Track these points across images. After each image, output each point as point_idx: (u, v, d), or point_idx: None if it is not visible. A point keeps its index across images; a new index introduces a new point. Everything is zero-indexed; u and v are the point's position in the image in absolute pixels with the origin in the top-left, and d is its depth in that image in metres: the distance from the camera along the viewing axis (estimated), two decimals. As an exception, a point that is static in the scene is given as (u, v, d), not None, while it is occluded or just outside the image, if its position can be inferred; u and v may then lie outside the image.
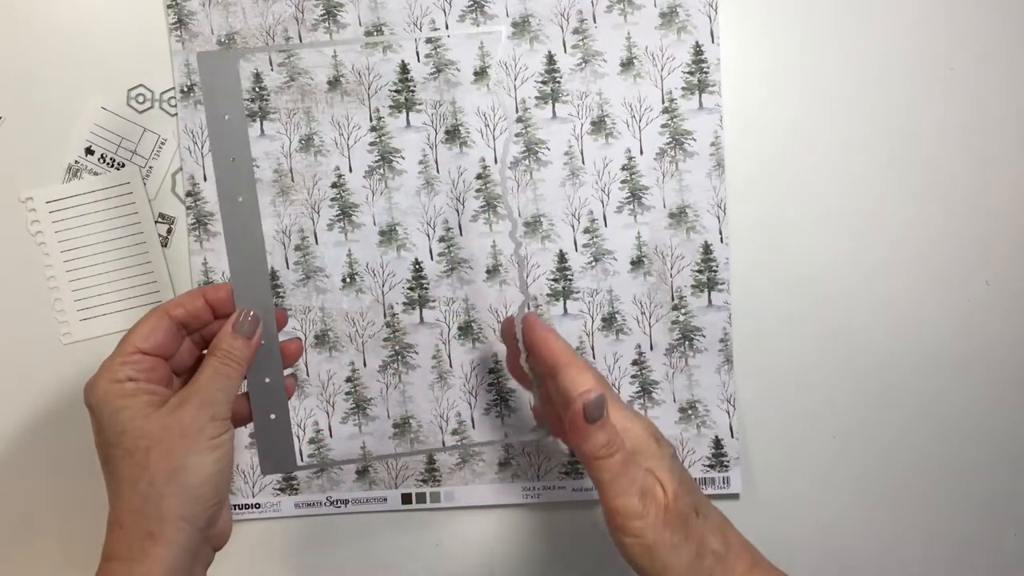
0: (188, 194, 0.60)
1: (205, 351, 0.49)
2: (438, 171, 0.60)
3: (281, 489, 0.60)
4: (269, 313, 0.49)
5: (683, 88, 0.60)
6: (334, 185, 0.60)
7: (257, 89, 0.60)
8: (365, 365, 0.60)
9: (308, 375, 0.60)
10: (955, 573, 0.62)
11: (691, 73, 0.60)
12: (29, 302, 0.60)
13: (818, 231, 0.61)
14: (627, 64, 0.60)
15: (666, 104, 0.60)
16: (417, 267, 0.60)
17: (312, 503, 0.60)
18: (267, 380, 0.50)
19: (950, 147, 0.61)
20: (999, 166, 0.61)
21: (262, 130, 0.60)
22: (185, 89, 0.60)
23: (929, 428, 0.62)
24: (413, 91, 0.60)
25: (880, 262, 0.61)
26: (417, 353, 0.60)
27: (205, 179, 0.60)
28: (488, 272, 0.60)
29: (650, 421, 0.49)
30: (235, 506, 0.60)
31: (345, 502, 0.60)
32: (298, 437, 0.60)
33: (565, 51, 0.60)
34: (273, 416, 0.50)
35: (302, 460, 0.60)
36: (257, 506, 0.60)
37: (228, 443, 0.46)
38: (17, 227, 0.60)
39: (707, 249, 0.60)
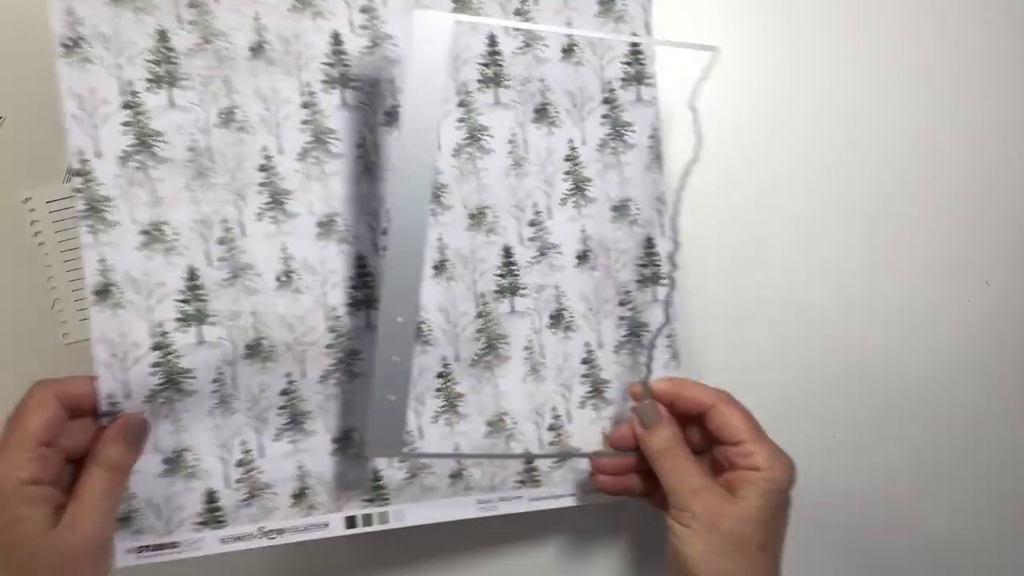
0: (77, 173, 0.49)
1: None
2: (379, 156, 0.54)
3: (203, 522, 0.51)
4: (415, 294, 0.49)
5: (622, 79, 0.59)
6: (262, 168, 0.52)
7: (163, 50, 0.50)
8: (305, 376, 0.53)
9: (237, 389, 0.52)
10: (956, 572, 0.63)
11: (628, 64, 0.59)
12: (29, 302, 0.59)
13: (820, 230, 0.61)
14: (568, 51, 0.57)
15: (606, 94, 0.58)
16: (361, 263, 0.54)
17: (242, 536, 0.52)
18: (395, 359, 0.49)
19: (950, 146, 0.62)
20: (998, 166, 0.63)
21: (171, 100, 0.50)
22: (68, 44, 0.48)
23: (929, 428, 0.62)
24: (348, 66, 0.53)
25: (880, 261, 0.62)
26: (362, 360, 0.54)
27: (97, 155, 0.49)
28: (435, 268, 0.55)
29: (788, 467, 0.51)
30: (147, 547, 0.50)
31: (280, 531, 0.53)
32: (222, 460, 0.52)
33: (507, 33, 0.56)
34: (392, 397, 0.50)
35: (229, 486, 0.52)
36: (174, 545, 0.51)
37: (109, 559, 0.47)
38: (17, 227, 0.59)
39: (649, 243, 0.59)
